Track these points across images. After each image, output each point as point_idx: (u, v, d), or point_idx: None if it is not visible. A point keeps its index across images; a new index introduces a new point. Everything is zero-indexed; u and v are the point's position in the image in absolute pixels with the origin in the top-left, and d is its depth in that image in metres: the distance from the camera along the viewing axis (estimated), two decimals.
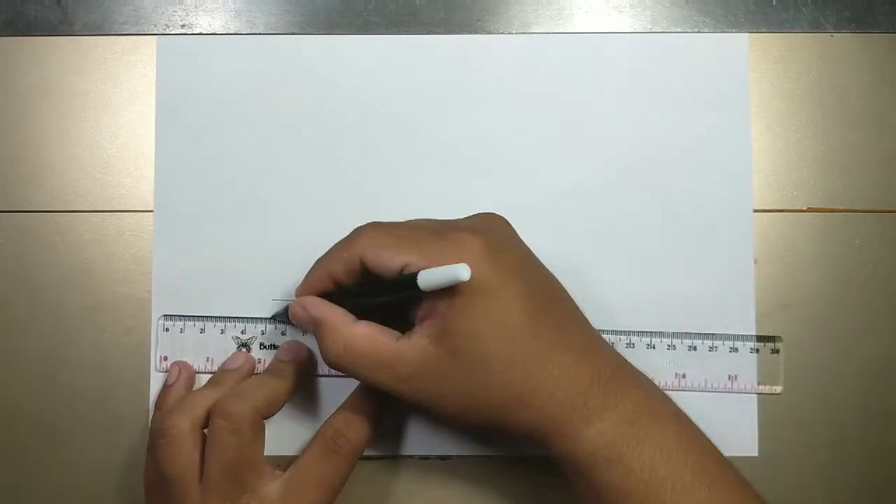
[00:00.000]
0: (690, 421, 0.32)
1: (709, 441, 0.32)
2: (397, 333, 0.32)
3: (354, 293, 0.33)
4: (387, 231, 0.33)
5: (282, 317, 0.37)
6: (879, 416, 0.38)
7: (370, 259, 0.32)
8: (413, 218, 0.35)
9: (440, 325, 0.31)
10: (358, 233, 0.33)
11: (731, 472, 0.32)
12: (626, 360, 0.33)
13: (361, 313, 0.33)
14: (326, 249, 0.34)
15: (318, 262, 0.34)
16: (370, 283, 0.33)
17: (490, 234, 0.32)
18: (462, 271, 0.29)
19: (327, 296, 0.34)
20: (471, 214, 0.34)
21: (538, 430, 0.31)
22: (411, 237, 0.32)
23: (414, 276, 0.30)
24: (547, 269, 0.34)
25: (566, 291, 0.34)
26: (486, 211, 0.34)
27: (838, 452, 0.38)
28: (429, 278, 0.29)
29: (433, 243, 0.31)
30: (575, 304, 0.34)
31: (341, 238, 0.34)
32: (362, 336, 0.32)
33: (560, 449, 0.31)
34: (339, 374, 0.37)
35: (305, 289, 0.34)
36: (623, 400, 0.31)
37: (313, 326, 0.33)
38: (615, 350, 0.34)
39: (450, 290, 0.30)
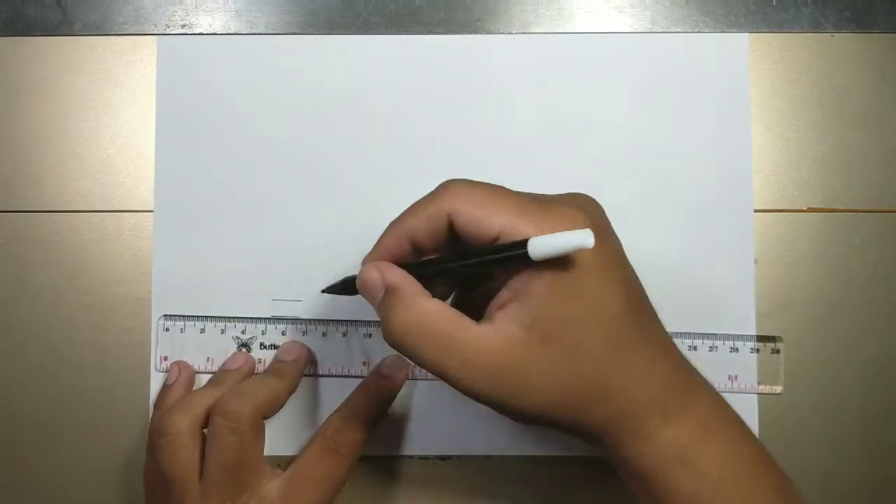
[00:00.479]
0: (749, 428, 0.31)
1: (766, 448, 0.31)
2: (472, 320, 0.28)
3: (436, 262, 0.29)
4: (482, 188, 0.28)
5: (338, 288, 0.33)
6: (879, 416, 0.38)
7: (462, 216, 0.28)
8: None
9: (534, 310, 0.27)
10: (446, 186, 0.29)
11: (788, 480, 0.31)
12: (691, 363, 0.31)
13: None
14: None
15: (394, 222, 0.30)
16: (458, 249, 0.29)
17: (592, 215, 0.29)
18: (587, 237, 0.25)
19: (403, 266, 0.30)
20: (564, 193, 0.30)
21: (613, 430, 0.29)
22: (512, 199, 0.28)
23: (523, 242, 0.26)
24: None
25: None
26: (582, 193, 0.30)
27: (838, 452, 0.38)
28: (543, 246, 0.26)
29: (539, 211, 0.28)
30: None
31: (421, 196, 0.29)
32: (438, 313, 0.28)
33: (631, 451, 0.29)
34: (339, 374, 0.37)
35: (380, 252, 0.30)
36: (698, 403, 0.29)
37: (384, 294, 0.29)
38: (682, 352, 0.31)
39: (547, 272, 0.27)
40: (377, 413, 0.35)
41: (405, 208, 0.29)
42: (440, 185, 0.29)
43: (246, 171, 0.38)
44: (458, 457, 0.38)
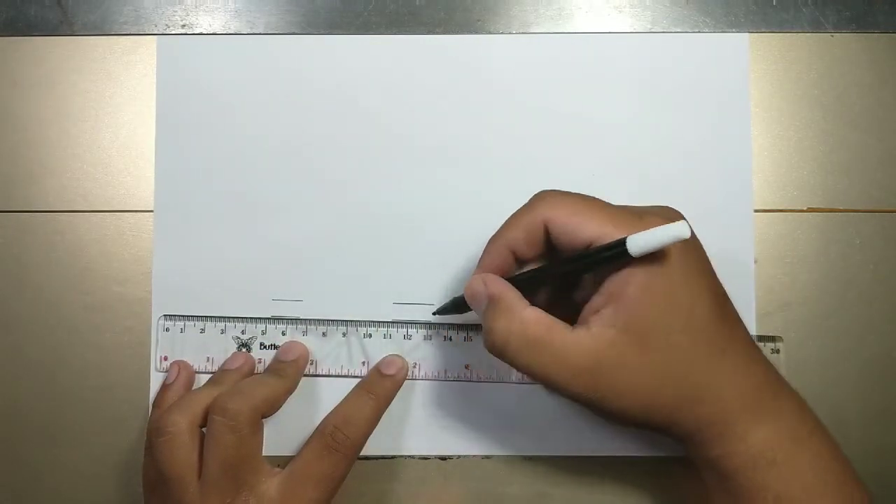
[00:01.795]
0: (831, 435, 0.32)
1: (847, 458, 0.32)
2: (569, 325, 0.29)
3: (536, 270, 0.31)
4: (574, 197, 0.30)
5: (449, 309, 0.35)
6: (879, 416, 0.38)
7: (555, 225, 0.29)
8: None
9: (629, 313, 0.28)
10: (541, 197, 0.31)
11: (858, 480, 0.32)
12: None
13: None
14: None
15: (495, 235, 0.32)
16: (558, 258, 0.30)
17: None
18: (683, 228, 0.26)
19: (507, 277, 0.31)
20: (652, 205, 0.32)
21: (704, 430, 0.30)
22: (604, 208, 0.30)
23: (622, 241, 0.27)
24: None
25: None
26: (667, 205, 0.32)
27: None
28: (642, 241, 0.27)
29: (627, 219, 0.29)
30: None
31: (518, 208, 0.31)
32: (537, 321, 0.29)
33: (722, 450, 0.30)
34: (339, 374, 0.37)
35: (484, 265, 0.32)
36: (786, 405, 0.31)
37: (487, 303, 0.30)
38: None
39: (640, 277, 0.28)
40: (376, 412, 0.35)
41: (504, 221, 0.31)
42: (534, 195, 0.31)
43: (246, 172, 0.38)
44: (458, 457, 0.38)
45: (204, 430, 0.33)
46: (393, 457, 0.38)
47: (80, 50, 0.39)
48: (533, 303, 0.30)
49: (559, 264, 0.30)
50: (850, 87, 0.39)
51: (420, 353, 0.37)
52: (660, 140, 0.38)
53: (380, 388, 0.36)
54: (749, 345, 0.31)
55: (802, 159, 0.39)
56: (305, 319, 0.38)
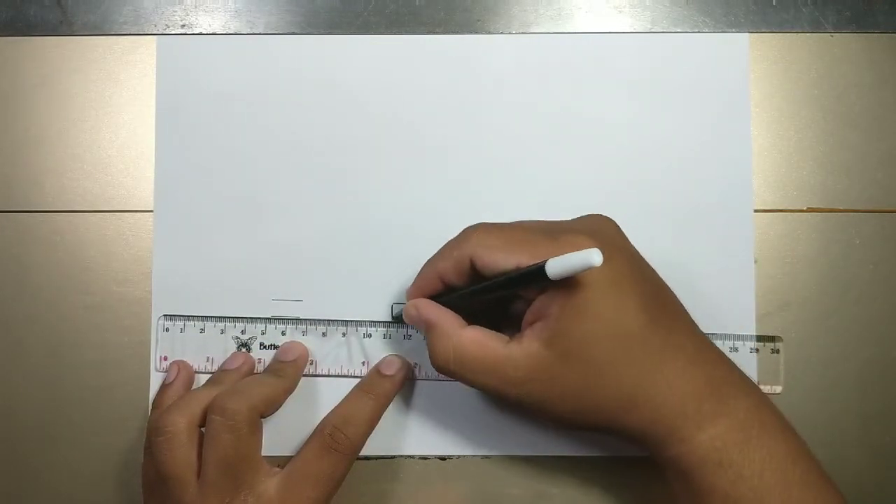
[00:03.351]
0: (796, 432, 0.32)
1: (813, 454, 0.32)
2: (505, 338, 0.31)
3: (468, 292, 0.33)
4: (497, 232, 0.32)
5: (400, 317, 0.37)
6: (879, 416, 0.38)
7: (481, 259, 0.31)
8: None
9: (552, 328, 0.30)
10: (467, 233, 0.33)
11: (834, 489, 0.31)
12: (736, 366, 0.33)
13: (468, 319, 0.33)
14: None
15: (429, 262, 0.34)
16: (486, 279, 0.32)
17: (602, 235, 0.31)
18: (594, 256, 0.27)
19: (439, 297, 0.34)
20: (579, 216, 0.34)
21: (650, 434, 0.31)
22: (522, 238, 0.31)
23: (541, 265, 0.28)
24: (656, 272, 0.33)
25: (675, 295, 0.33)
26: (595, 213, 0.34)
27: (838, 452, 0.38)
28: (559, 265, 0.28)
29: (546, 245, 0.30)
30: (684, 307, 0.33)
31: (449, 239, 0.33)
32: (471, 341, 0.31)
33: (670, 452, 0.31)
34: (339, 374, 0.37)
35: (417, 289, 0.34)
36: (735, 406, 0.31)
37: (424, 329, 0.33)
38: (725, 354, 0.33)
39: (563, 292, 0.29)
40: (376, 412, 0.35)
41: (437, 250, 0.34)
42: (463, 231, 0.33)
43: (246, 172, 0.38)
44: (458, 457, 0.38)
45: (203, 429, 0.33)
46: (393, 457, 0.38)
47: (80, 50, 0.39)
48: (487, 313, 0.33)
49: (487, 287, 0.32)
50: (850, 87, 0.39)
51: (420, 354, 0.37)
52: (660, 140, 0.38)
53: (379, 388, 0.36)
54: (692, 349, 0.31)
55: (802, 159, 0.39)
56: (305, 319, 0.38)
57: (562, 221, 0.33)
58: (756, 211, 0.38)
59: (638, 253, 0.33)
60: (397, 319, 0.38)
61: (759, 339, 0.38)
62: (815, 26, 0.39)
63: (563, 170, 0.38)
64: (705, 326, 0.38)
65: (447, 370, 0.32)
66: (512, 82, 0.39)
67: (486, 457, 0.38)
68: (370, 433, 0.35)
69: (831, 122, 0.39)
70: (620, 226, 0.33)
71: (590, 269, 0.28)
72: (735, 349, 0.38)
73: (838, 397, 0.38)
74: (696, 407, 0.30)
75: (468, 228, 0.33)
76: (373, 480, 0.38)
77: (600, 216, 0.33)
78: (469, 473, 0.38)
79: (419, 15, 0.39)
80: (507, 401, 0.31)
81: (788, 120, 0.39)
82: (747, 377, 0.33)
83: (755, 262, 0.38)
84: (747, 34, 0.39)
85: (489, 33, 0.39)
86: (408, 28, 0.39)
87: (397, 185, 0.38)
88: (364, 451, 0.35)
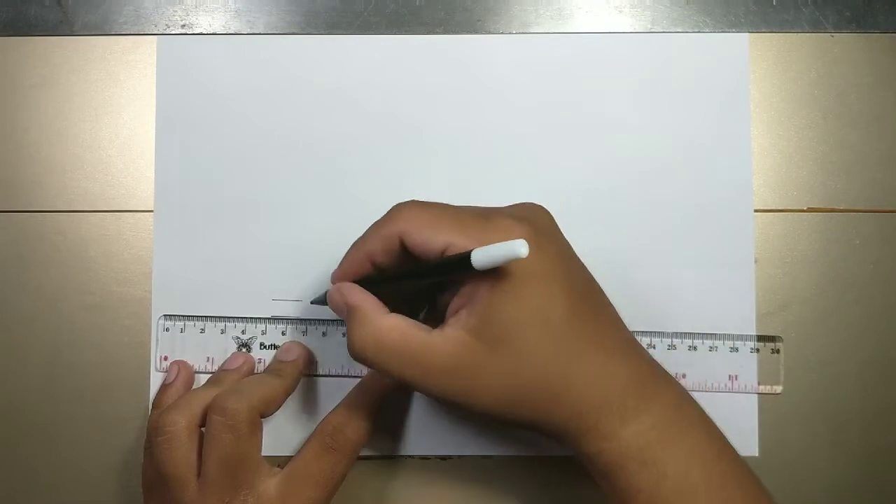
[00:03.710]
0: (718, 428, 0.32)
1: (734, 449, 0.31)
2: (428, 328, 0.30)
3: (394, 277, 0.32)
4: (427, 208, 0.31)
5: (321, 301, 0.36)
6: (879, 416, 0.38)
7: (410, 237, 0.30)
8: None
9: (480, 315, 0.29)
10: (397, 210, 0.31)
11: (757, 482, 0.31)
12: (659, 364, 0.32)
13: (394, 309, 0.31)
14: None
15: (356, 243, 0.32)
16: (412, 264, 0.31)
17: (534, 223, 0.30)
18: (520, 248, 0.26)
19: (365, 281, 0.32)
20: (514, 203, 0.33)
21: (571, 429, 0.30)
22: (454, 217, 0.30)
23: (466, 254, 0.28)
24: (584, 266, 0.32)
25: (602, 290, 0.32)
26: (529, 201, 0.33)
27: (838, 452, 0.38)
28: (485, 255, 0.27)
29: (478, 225, 0.30)
30: (610, 302, 0.32)
31: (378, 218, 0.32)
32: (392, 328, 0.30)
33: (591, 448, 0.30)
34: (339, 374, 0.37)
35: (343, 272, 0.33)
36: (659, 402, 0.30)
37: (346, 314, 0.31)
38: (648, 353, 0.32)
39: (492, 279, 0.29)
40: (375, 411, 0.35)
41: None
42: (392, 208, 0.31)
43: (246, 172, 0.38)
44: (458, 457, 0.38)
45: (203, 429, 0.33)
46: (393, 457, 0.38)
47: (80, 50, 0.39)
48: (410, 303, 0.32)
49: (414, 271, 0.31)
50: (850, 87, 0.39)
51: None
52: (660, 140, 0.38)
53: (379, 387, 0.36)
54: (618, 343, 0.31)
55: (802, 159, 0.39)
56: (305, 319, 0.38)
57: (494, 208, 0.32)
58: (756, 211, 0.38)
59: (569, 245, 0.32)
60: (318, 303, 0.36)
61: (759, 339, 0.38)
62: (815, 26, 0.39)
63: (564, 170, 0.38)
64: (705, 326, 0.38)
65: (363, 358, 0.30)
66: (512, 82, 0.39)
67: (486, 457, 0.38)
68: (370, 433, 0.35)
69: (831, 122, 0.39)
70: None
71: (516, 260, 0.27)
72: (735, 349, 0.38)
73: (838, 397, 0.38)
74: (620, 402, 0.30)
75: (398, 204, 0.32)
76: (373, 480, 0.38)
77: (534, 204, 0.32)
78: (469, 473, 0.38)
79: (419, 15, 0.39)
80: (429, 394, 0.30)
81: (788, 120, 0.39)
82: (670, 375, 0.32)
83: (755, 262, 0.38)
84: (747, 34, 0.39)
85: (489, 33, 0.39)
86: (408, 28, 0.39)
87: (397, 184, 0.38)
88: (364, 451, 0.35)
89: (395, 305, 0.31)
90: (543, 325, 0.29)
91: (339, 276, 0.33)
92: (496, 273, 0.28)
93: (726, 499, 0.30)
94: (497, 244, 0.27)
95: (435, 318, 0.32)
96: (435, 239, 0.29)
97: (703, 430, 0.31)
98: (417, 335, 0.30)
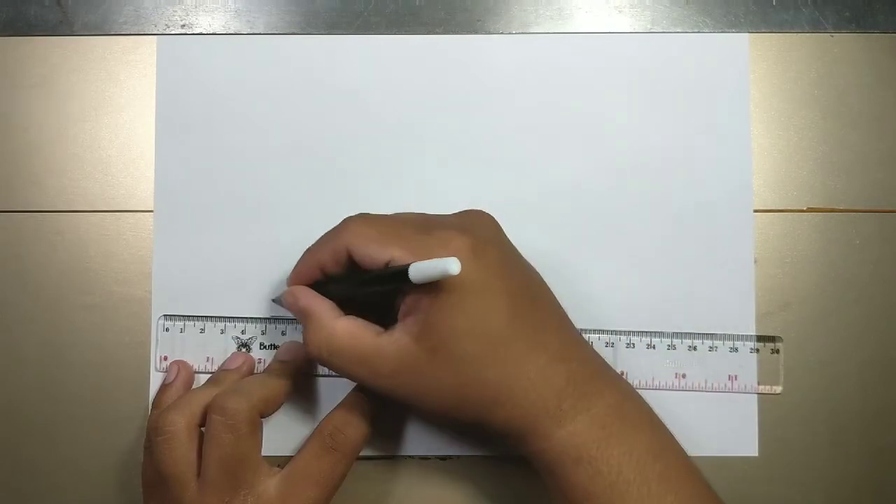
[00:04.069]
0: (664, 427, 0.33)
1: (681, 449, 0.32)
2: (379, 329, 0.32)
3: (343, 282, 0.34)
4: (373, 224, 0.33)
5: (282, 301, 0.36)
6: (879, 416, 0.38)
7: (357, 251, 0.32)
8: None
9: (421, 323, 0.31)
10: (345, 224, 0.33)
11: (699, 483, 0.32)
12: (606, 363, 0.34)
13: (349, 305, 0.33)
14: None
15: (308, 250, 0.35)
16: (359, 273, 0.33)
17: (475, 232, 0.32)
18: (452, 265, 0.28)
19: (318, 284, 0.34)
20: (459, 211, 0.34)
21: (513, 430, 0.31)
22: (397, 232, 0.32)
23: (405, 268, 0.30)
24: (532, 269, 0.34)
25: (550, 292, 0.34)
26: (475, 209, 0.34)
27: (838, 452, 0.38)
28: (419, 271, 0.29)
29: (419, 239, 0.31)
30: (558, 304, 0.34)
31: (330, 228, 0.34)
32: (344, 331, 0.32)
33: (532, 448, 0.31)
34: (338, 374, 0.37)
35: (297, 277, 0.35)
36: (596, 403, 0.31)
37: (301, 317, 0.33)
38: (595, 352, 0.34)
39: (433, 288, 0.30)
40: (375, 411, 0.35)
41: (316, 239, 0.34)
42: (341, 222, 0.33)
43: (246, 171, 0.38)
44: (458, 457, 0.38)
45: (203, 429, 0.33)
46: (393, 457, 0.38)
47: (80, 50, 0.39)
48: (370, 304, 0.33)
49: (361, 280, 0.33)
50: (850, 87, 0.39)
51: None
52: (660, 140, 0.38)
53: None
54: (558, 345, 0.32)
55: (802, 159, 0.39)
56: None
57: (439, 216, 0.34)
58: (756, 211, 0.38)
59: (513, 249, 0.34)
60: (277, 303, 0.37)
61: (759, 339, 0.38)
62: (815, 26, 0.39)
63: (563, 170, 0.38)
64: (705, 326, 0.38)
65: (320, 359, 0.32)
66: (512, 82, 0.39)
67: (486, 457, 0.38)
68: (370, 433, 0.35)
69: (831, 122, 0.39)
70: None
71: (448, 277, 0.28)
72: (735, 349, 0.38)
73: (838, 397, 0.38)
74: (557, 404, 0.31)
75: (347, 219, 0.34)
76: (373, 480, 0.38)
77: (479, 212, 0.34)
78: (469, 473, 0.38)
79: (419, 15, 0.39)
80: (378, 392, 0.32)
81: (788, 120, 0.39)
82: (617, 374, 0.34)
83: (755, 262, 0.38)
84: (747, 34, 0.39)
85: (489, 33, 0.39)
86: (408, 28, 0.39)
87: (397, 184, 0.38)
88: (364, 451, 0.35)
89: (352, 303, 0.33)
90: (482, 334, 0.31)
91: (292, 280, 0.35)
92: (437, 285, 0.30)
93: (660, 496, 0.30)
94: (430, 261, 0.29)
95: (392, 318, 0.33)
96: (379, 254, 0.31)
97: (644, 430, 0.32)
98: (366, 338, 0.32)
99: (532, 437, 0.31)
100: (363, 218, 0.33)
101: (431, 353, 0.31)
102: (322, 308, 0.33)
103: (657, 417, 0.33)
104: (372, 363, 0.31)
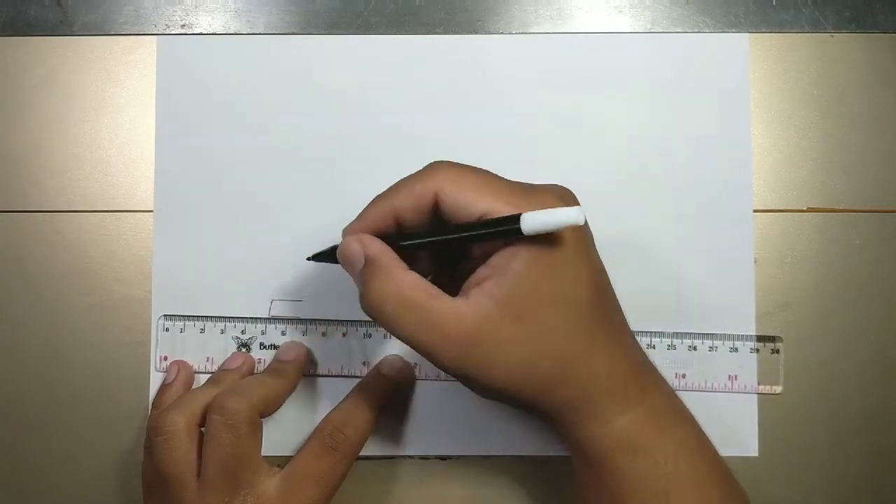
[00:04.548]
0: (701, 429, 0.32)
1: (716, 449, 0.32)
2: (447, 295, 0.29)
3: (416, 237, 0.30)
4: (469, 171, 0.29)
5: (324, 257, 0.33)
6: (879, 416, 0.38)
7: (448, 196, 0.29)
8: None
9: (509, 287, 0.28)
10: (434, 167, 0.30)
11: (734, 480, 0.32)
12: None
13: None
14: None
15: (382, 196, 0.30)
16: (450, 226, 0.29)
17: (568, 203, 0.30)
18: (579, 214, 0.26)
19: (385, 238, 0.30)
20: (541, 183, 0.31)
21: (570, 411, 0.30)
22: (495, 183, 0.29)
23: (515, 217, 0.27)
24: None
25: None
26: (555, 184, 0.31)
27: (838, 452, 0.38)
28: (536, 219, 0.26)
29: (520, 196, 0.29)
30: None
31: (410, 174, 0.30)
32: (415, 286, 0.29)
33: (586, 433, 0.30)
34: (338, 374, 0.37)
35: (363, 224, 0.31)
36: (654, 393, 0.31)
37: (363, 265, 0.30)
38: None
39: (527, 254, 0.28)
40: (375, 411, 0.35)
41: (392, 185, 0.30)
42: (428, 164, 0.30)
43: (246, 171, 0.38)
44: (458, 457, 0.38)
45: (203, 429, 0.33)
46: (393, 457, 0.38)
47: (80, 50, 0.39)
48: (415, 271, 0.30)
49: (450, 232, 0.29)
50: (850, 87, 0.39)
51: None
52: (660, 140, 0.38)
53: (379, 388, 0.36)
54: (624, 335, 0.31)
55: (802, 159, 0.39)
56: (305, 319, 0.38)
57: (531, 183, 0.30)
58: (756, 211, 0.38)
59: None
60: (324, 258, 0.33)
61: (759, 339, 0.38)
62: (815, 26, 0.39)
63: (563, 170, 0.38)
64: (705, 326, 0.38)
65: (382, 312, 0.29)
66: (512, 82, 0.39)
67: (486, 457, 0.38)
68: (370, 433, 0.35)
69: (831, 122, 0.39)
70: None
71: (567, 228, 0.26)
72: (735, 349, 0.38)
73: (838, 397, 0.38)
74: (623, 389, 0.30)
75: (435, 162, 0.30)
76: (373, 480, 0.38)
77: (566, 188, 0.31)
78: (469, 473, 0.38)
79: (419, 15, 0.39)
80: (439, 362, 0.29)
81: (788, 120, 0.39)
82: (661, 375, 0.33)
83: (755, 262, 0.38)
84: (747, 34, 0.39)
85: (489, 33, 0.39)
86: (408, 28, 0.39)
87: None
88: (364, 451, 0.35)
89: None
90: (570, 303, 0.29)
91: (356, 228, 0.31)
92: (533, 246, 0.28)
93: (709, 490, 0.30)
94: (552, 209, 0.26)
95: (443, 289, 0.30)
96: (476, 203, 0.28)
97: (689, 424, 0.32)
98: (442, 299, 0.28)
99: (591, 420, 0.30)
100: (455, 163, 0.30)
101: (515, 321, 0.28)
102: (389, 256, 0.29)
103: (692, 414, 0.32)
104: (444, 328, 0.28)
